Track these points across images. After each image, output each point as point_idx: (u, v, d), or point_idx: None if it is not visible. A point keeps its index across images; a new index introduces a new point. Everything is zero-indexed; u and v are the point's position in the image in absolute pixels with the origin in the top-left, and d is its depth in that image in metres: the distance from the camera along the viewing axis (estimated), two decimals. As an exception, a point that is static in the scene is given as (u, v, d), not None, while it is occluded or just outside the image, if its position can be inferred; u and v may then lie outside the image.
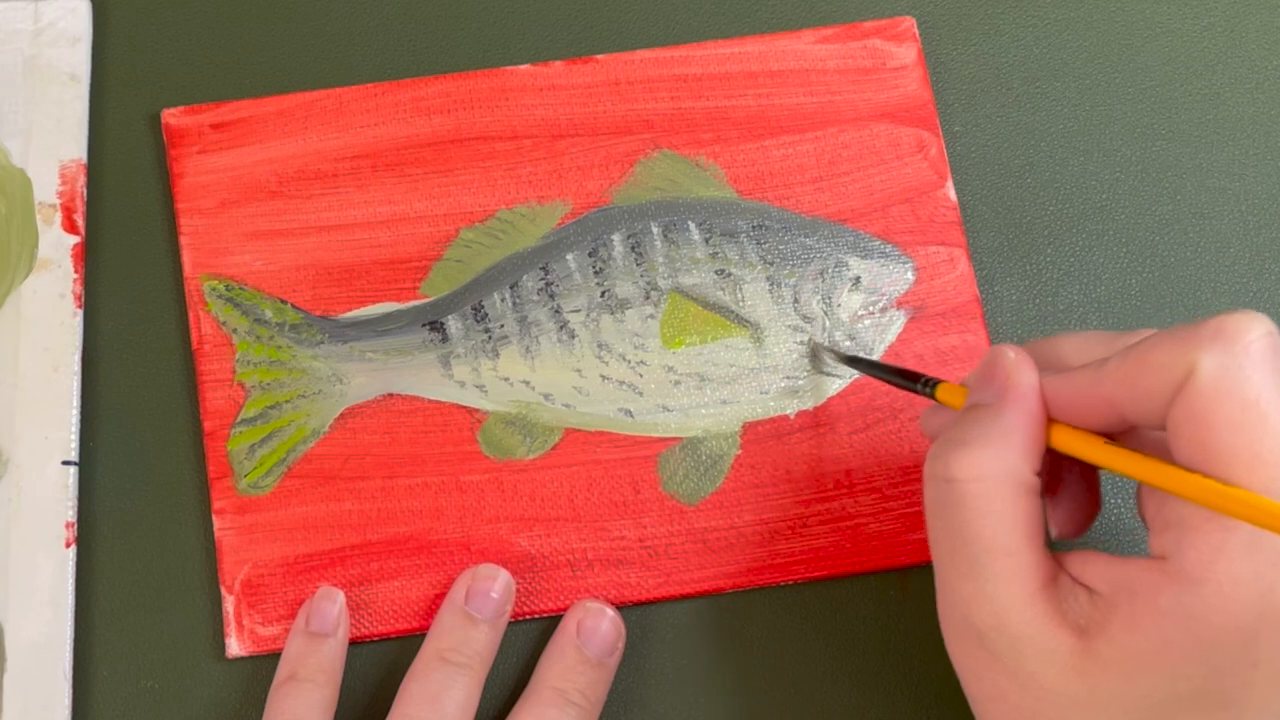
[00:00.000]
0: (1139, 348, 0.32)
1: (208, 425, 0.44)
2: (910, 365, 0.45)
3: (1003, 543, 0.33)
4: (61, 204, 0.45)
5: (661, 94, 0.47)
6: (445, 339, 0.45)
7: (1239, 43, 0.50)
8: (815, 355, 0.45)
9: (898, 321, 0.45)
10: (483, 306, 0.45)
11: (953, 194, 0.47)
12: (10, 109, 0.46)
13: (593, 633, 0.41)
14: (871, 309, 0.45)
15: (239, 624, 0.42)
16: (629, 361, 0.45)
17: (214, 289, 0.45)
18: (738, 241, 0.46)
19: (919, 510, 0.43)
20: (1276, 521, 0.28)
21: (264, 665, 0.42)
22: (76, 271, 0.45)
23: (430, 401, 0.44)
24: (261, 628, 0.42)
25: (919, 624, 0.43)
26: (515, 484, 0.43)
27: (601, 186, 0.46)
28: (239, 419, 0.44)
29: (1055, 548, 0.35)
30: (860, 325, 0.45)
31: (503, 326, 0.45)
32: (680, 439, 0.44)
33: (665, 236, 0.46)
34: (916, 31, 0.48)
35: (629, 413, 0.44)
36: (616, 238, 0.46)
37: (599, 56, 0.48)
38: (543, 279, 0.45)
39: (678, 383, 0.44)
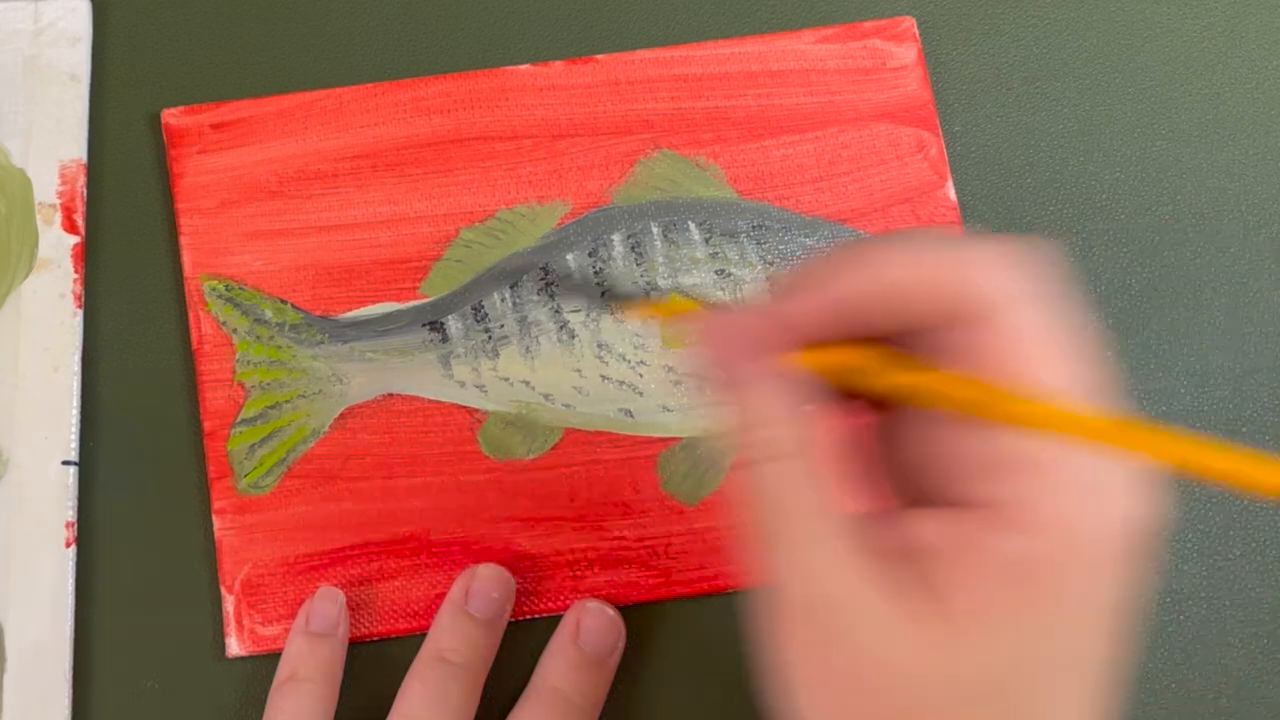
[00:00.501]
0: (906, 256, 0.28)
1: (208, 425, 0.44)
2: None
3: (803, 503, 0.28)
4: (61, 204, 0.45)
5: (661, 94, 0.47)
6: (445, 339, 0.45)
7: (1239, 43, 0.50)
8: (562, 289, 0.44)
9: (898, 321, 0.45)
10: (483, 306, 0.45)
11: (953, 194, 0.47)
12: (10, 109, 0.46)
13: (593, 633, 0.41)
14: (871, 309, 0.45)
15: (239, 624, 0.42)
16: (629, 362, 0.45)
17: (214, 289, 0.45)
18: (738, 241, 0.46)
19: (919, 510, 0.43)
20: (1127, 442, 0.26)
21: (264, 665, 0.42)
22: (76, 271, 0.45)
23: (430, 401, 0.44)
24: (261, 627, 0.42)
25: (919, 624, 0.43)
26: (515, 484, 0.43)
27: (601, 186, 0.46)
28: (239, 419, 0.44)
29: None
30: (860, 325, 0.45)
31: (503, 326, 0.45)
32: (680, 439, 0.44)
33: (665, 236, 0.46)
34: (916, 31, 0.48)
35: (629, 413, 0.44)
36: (616, 238, 0.46)
37: (599, 56, 0.48)
38: (543, 279, 0.45)
39: (678, 383, 0.44)
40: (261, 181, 0.46)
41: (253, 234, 0.45)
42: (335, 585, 0.42)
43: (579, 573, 0.43)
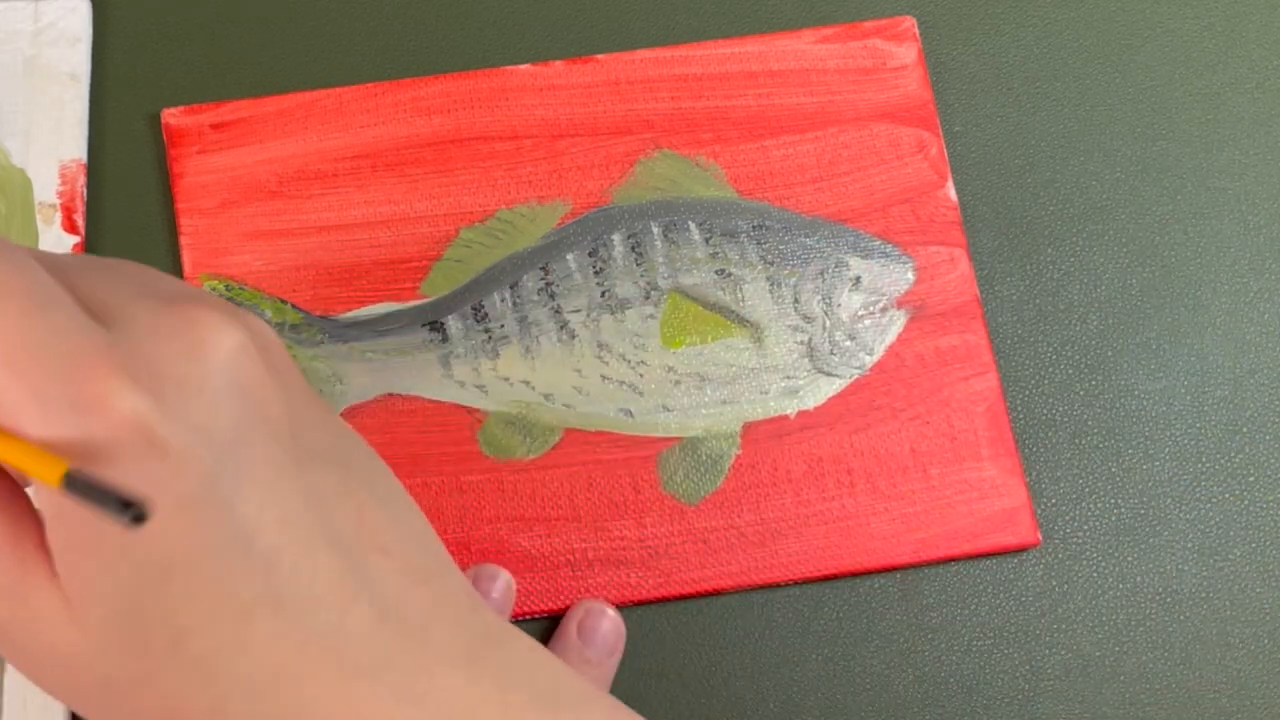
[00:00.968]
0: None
1: (208, 425, 0.44)
2: (911, 365, 0.45)
3: None
4: (61, 204, 0.45)
5: (661, 94, 0.47)
6: (445, 339, 0.45)
7: (1239, 43, 0.50)
8: None
9: (898, 321, 0.45)
10: (483, 306, 0.45)
11: (953, 194, 0.47)
12: (10, 109, 0.46)
13: (593, 633, 0.41)
14: (872, 309, 0.45)
15: (239, 624, 0.42)
16: (629, 361, 0.45)
17: (214, 289, 0.45)
18: (738, 241, 0.46)
19: (919, 510, 0.43)
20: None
21: (264, 665, 0.42)
22: (76, 271, 0.45)
23: (430, 401, 0.44)
24: (261, 628, 0.42)
25: (919, 624, 0.43)
26: (515, 484, 0.43)
27: (601, 186, 0.46)
28: (239, 419, 0.44)
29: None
30: (860, 325, 0.45)
31: (503, 326, 0.45)
32: (680, 439, 0.44)
33: (665, 236, 0.46)
34: (917, 31, 0.48)
35: (629, 413, 0.44)
36: (617, 238, 0.46)
37: (599, 56, 0.48)
38: (543, 279, 0.45)
39: (678, 383, 0.44)
40: (261, 181, 0.46)
41: (253, 234, 0.45)
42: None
43: (579, 573, 0.43)
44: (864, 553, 0.43)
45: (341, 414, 0.44)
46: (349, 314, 0.45)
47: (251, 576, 0.26)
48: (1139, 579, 0.44)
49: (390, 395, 0.44)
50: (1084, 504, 0.44)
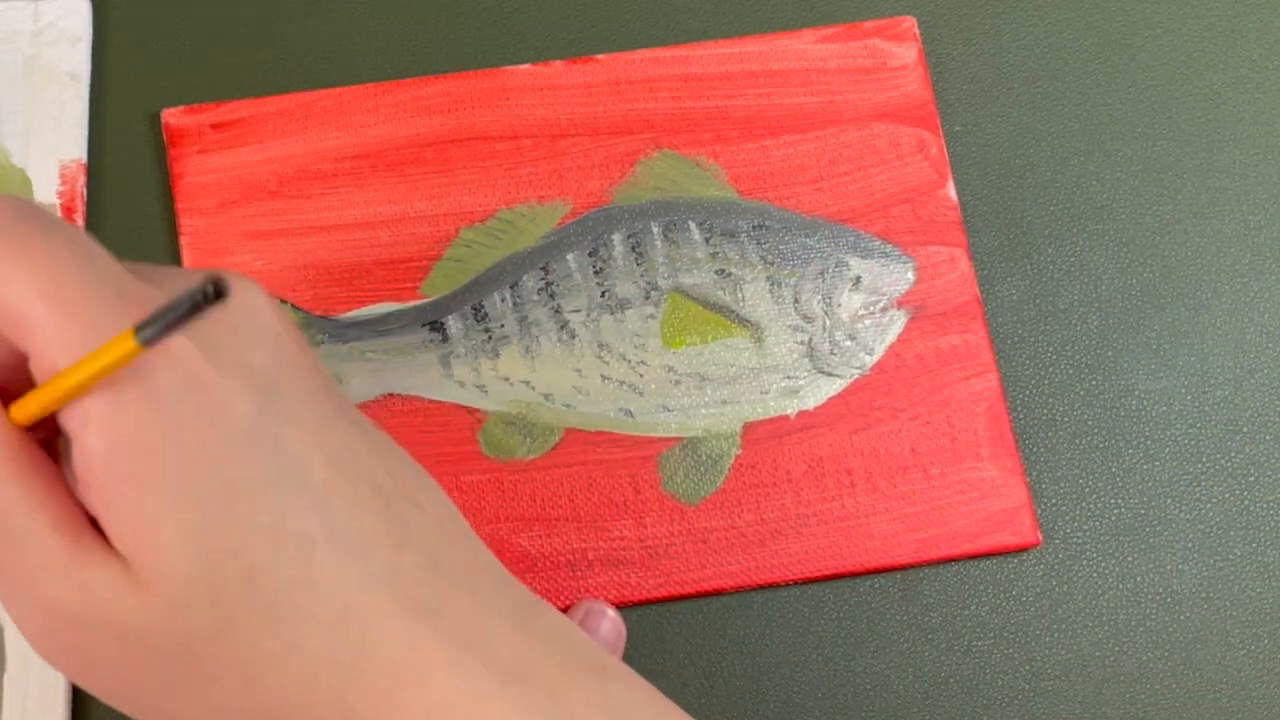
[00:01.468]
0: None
1: (208, 425, 0.44)
2: (911, 365, 0.45)
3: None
4: (61, 204, 0.45)
5: (662, 94, 0.47)
6: (445, 339, 0.45)
7: (1239, 43, 0.50)
8: None
9: (898, 321, 0.45)
10: (483, 306, 0.45)
11: (953, 194, 0.47)
12: (10, 109, 0.46)
13: (593, 633, 0.41)
14: (872, 309, 0.45)
15: (239, 624, 0.42)
16: (629, 361, 0.45)
17: (214, 289, 0.45)
18: (738, 241, 0.46)
19: (919, 510, 0.43)
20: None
21: (264, 665, 0.42)
22: (76, 271, 0.45)
23: (430, 401, 0.44)
24: (261, 628, 0.42)
25: (919, 624, 0.43)
26: (515, 484, 0.43)
27: (602, 186, 0.46)
28: (239, 419, 0.44)
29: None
30: (860, 325, 0.45)
31: (503, 326, 0.45)
32: (680, 439, 0.44)
33: (665, 236, 0.46)
34: (917, 31, 0.48)
35: (629, 413, 0.44)
36: (617, 237, 0.46)
37: (599, 56, 0.48)
38: (543, 279, 0.45)
39: (678, 383, 0.44)
40: (261, 181, 0.46)
41: (253, 234, 0.45)
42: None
43: (579, 573, 0.43)
44: (864, 553, 0.43)
45: (341, 414, 0.44)
46: (349, 314, 0.45)
47: (310, 510, 0.26)
48: (1139, 579, 0.44)
49: (390, 395, 0.44)
50: (1084, 504, 0.44)
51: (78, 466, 0.26)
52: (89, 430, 0.25)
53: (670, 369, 0.45)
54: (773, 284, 0.45)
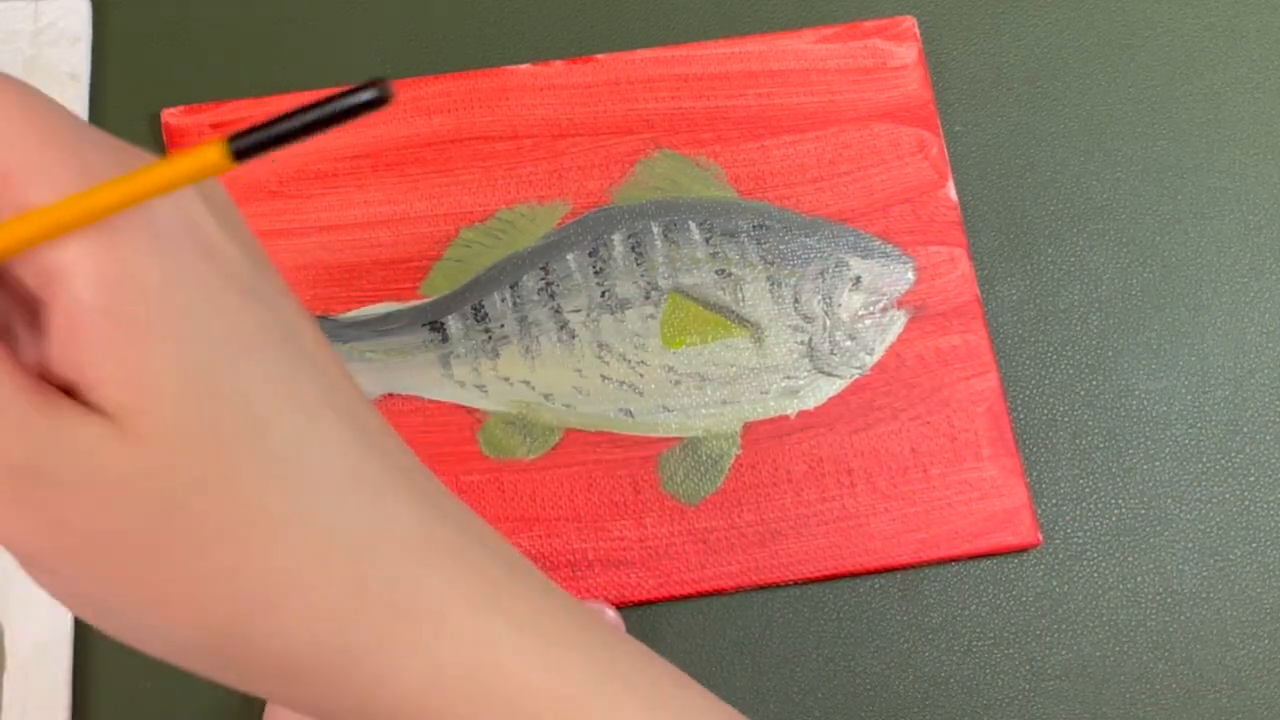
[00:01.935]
0: None
1: (208, 425, 0.44)
2: (911, 365, 0.45)
3: None
4: (61, 204, 0.45)
5: (662, 94, 0.47)
6: (445, 339, 0.45)
7: (1239, 43, 0.50)
8: None
9: (898, 321, 0.45)
10: (483, 306, 0.45)
11: (953, 194, 0.47)
12: (10, 109, 0.46)
13: (593, 633, 0.41)
14: (872, 309, 0.45)
15: (239, 624, 0.42)
16: (629, 361, 0.45)
17: (214, 289, 0.45)
18: (738, 241, 0.46)
19: (919, 510, 0.43)
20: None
21: (264, 665, 0.42)
22: (76, 271, 0.45)
23: (430, 401, 0.44)
24: (261, 628, 0.42)
25: (919, 624, 0.43)
26: (515, 484, 0.43)
27: (602, 186, 0.46)
28: (239, 419, 0.44)
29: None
30: (861, 325, 0.45)
31: (503, 326, 0.45)
32: (680, 439, 0.44)
33: (666, 236, 0.46)
34: (917, 31, 0.48)
35: (629, 413, 0.44)
36: (617, 238, 0.46)
37: (599, 56, 0.48)
38: (543, 279, 0.45)
39: (678, 383, 0.44)
40: (261, 181, 0.46)
41: (253, 234, 0.45)
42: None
43: (579, 573, 0.43)
44: (864, 553, 0.43)
45: (341, 414, 0.44)
46: (349, 314, 0.45)
47: (313, 375, 0.24)
48: (1139, 579, 0.44)
49: (390, 395, 0.44)
50: (1084, 504, 0.44)
51: (56, 324, 0.22)
52: (76, 274, 0.22)
53: (670, 369, 0.45)
54: (773, 284, 0.45)
